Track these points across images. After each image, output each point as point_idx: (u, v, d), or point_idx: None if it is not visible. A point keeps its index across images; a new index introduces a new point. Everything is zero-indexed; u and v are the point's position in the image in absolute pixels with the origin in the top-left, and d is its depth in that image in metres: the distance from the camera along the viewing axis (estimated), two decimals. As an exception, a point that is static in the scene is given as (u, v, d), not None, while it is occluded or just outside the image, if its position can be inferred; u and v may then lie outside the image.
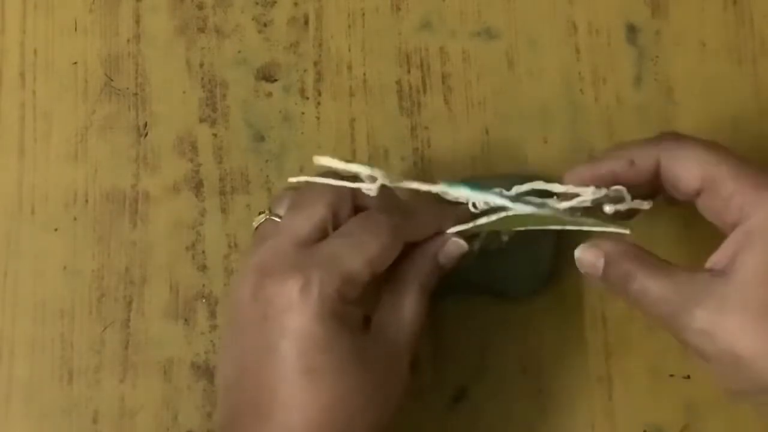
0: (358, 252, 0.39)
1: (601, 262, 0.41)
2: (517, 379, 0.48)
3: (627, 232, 0.42)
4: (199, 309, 0.49)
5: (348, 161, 0.39)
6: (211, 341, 0.48)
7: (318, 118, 0.51)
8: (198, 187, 0.50)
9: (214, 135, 0.51)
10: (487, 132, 0.51)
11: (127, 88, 0.51)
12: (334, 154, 0.41)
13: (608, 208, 0.39)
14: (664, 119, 0.50)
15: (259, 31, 0.52)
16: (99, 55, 0.51)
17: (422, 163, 0.50)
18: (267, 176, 0.50)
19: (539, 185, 0.40)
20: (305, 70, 0.51)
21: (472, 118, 0.51)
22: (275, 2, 0.52)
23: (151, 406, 0.48)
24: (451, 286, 0.47)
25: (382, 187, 0.40)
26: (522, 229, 0.43)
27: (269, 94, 0.51)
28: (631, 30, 0.52)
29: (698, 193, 0.40)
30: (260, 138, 0.51)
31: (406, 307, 0.42)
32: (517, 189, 0.41)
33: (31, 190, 0.50)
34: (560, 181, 0.42)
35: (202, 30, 0.52)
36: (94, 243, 0.49)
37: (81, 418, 0.47)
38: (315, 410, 0.38)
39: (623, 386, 0.48)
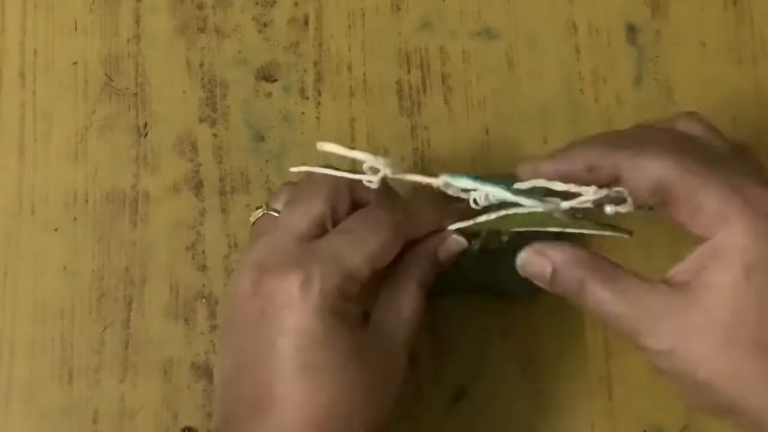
0: (359, 248, 0.39)
1: (548, 270, 0.39)
2: (517, 379, 0.48)
3: (627, 237, 0.42)
4: (199, 309, 0.49)
5: (352, 148, 0.39)
6: (211, 341, 0.48)
7: (318, 118, 0.51)
8: (198, 187, 0.50)
9: (214, 135, 0.51)
10: (487, 132, 0.51)
11: (127, 88, 0.51)
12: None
13: (609, 209, 0.38)
14: (664, 119, 0.51)
15: (259, 31, 0.52)
16: (99, 55, 0.51)
17: (422, 163, 0.50)
18: (267, 176, 0.50)
19: (540, 183, 0.39)
20: (305, 70, 0.51)
21: (472, 118, 0.51)
22: (275, 2, 0.52)
23: (151, 406, 0.48)
24: (452, 286, 0.47)
25: (383, 181, 0.40)
26: (522, 230, 0.43)
27: (269, 94, 0.51)
28: (631, 30, 0.52)
29: (663, 204, 0.38)
30: (260, 138, 0.51)
31: (405, 304, 0.41)
32: (518, 186, 0.41)
33: (31, 190, 0.50)
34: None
35: (202, 30, 0.52)
36: (94, 243, 0.49)
37: (81, 418, 0.47)
38: (313, 408, 0.38)
39: (623, 386, 0.48)
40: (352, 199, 0.41)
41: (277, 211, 0.42)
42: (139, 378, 0.48)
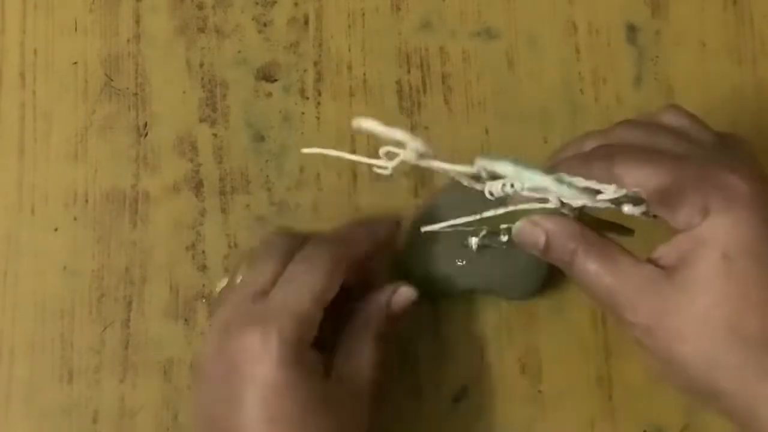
0: (305, 292, 0.41)
1: (542, 240, 0.40)
2: (517, 379, 0.48)
3: (628, 236, 0.42)
4: (199, 309, 0.49)
5: (390, 127, 0.38)
6: (211, 341, 0.48)
7: (318, 118, 0.51)
8: (198, 187, 0.50)
9: (214, 135, 0.51)
10: (487, 132, 0.51)
11: (127, 88, 0.51)
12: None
13: (627, 209, 0.38)
14: (664, 119, 0.50)
15: (259, 31, 0.52)
16: (99, 55, 0.51)
17: (422, 163, 0.50)
18: (267, 176, 0.50)
19: (563, 177, 0.39)
20: (305, 70, 0.51)
21: (472, 118, 0.51)
22: (275, 2, 0.52)
23: (151, 406, 0.48)
24: (452, 287, 0.47)
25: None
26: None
27: (269, 94, 0.51)
28: (631, 30, 0.52)
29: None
30: (260, 138, 0.51)
31: (363, 354, 0.43)
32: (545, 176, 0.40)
33: (31, 190, 0.50)
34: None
35: (202, 30, 0.52)
36: (94, 243, 0.49)
37: (81, 418, 0.47)
38: None
39: (623, 386, 0.48)
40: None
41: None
42: (139, 378, 0.48)
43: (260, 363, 0.39)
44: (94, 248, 0.49)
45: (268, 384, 0.39)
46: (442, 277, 0.47)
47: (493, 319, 0.49)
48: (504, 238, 0.44)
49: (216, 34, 0.52)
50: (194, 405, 0.44)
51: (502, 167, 0.38)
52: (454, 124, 0.51)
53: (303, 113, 0.51)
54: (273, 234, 0.45)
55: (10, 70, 0.51)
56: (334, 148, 0.49)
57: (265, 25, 0.52)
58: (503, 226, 0.42)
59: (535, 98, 0.51)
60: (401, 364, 0.48)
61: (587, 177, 0.38)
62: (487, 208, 0.41)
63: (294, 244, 0.43)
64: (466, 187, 0.40)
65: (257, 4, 0.52)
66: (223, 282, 0.45)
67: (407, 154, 0.38)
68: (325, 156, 0.40)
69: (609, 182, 0.38)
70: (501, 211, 0.41)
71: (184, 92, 0.51)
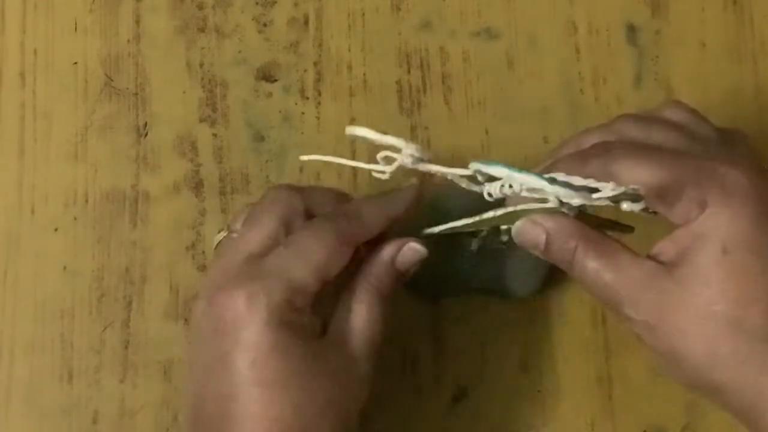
0: (305, 260, 0.39)
1: (542, 239, 0.40)
2: (517, 379, 0.48)
3: (628, 233, 0.42)
4: (199, 309, 0.49)
5: (384, 133, 0.38)
6: (211, 341, 0.48)
7: (318, 118, 0.51)
8: (198, 187, 0.50)
9: (214, 135, 0.51)
10: (487, 132, 0.51)
11: (127, 88, 0.51)
12: (335, 154, 0.42)
13: (626, 206, 0.38)
14: (664, 119, 0.50)
15: (259, 31, 0.52)
16: (99, 55, 0.51)
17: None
18: (267, 176, 0.50)
19: (560, 177, 0.39)
20: (305, 70, 0.51)
21: (472, 118, 0.51)
22: (275, 2, 0.52)
23: (151, 406, 0.48)
24: (452, 287, 0.47)
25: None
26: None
27: (269, 94, 0.51)
28: (631, 30, 0.52)
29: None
30: (260, 138, 0.51)
31: (360, 313, 0.41)
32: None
33: (31, 190, 0.50)
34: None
35: (202, 30, 0.52)
36: (94, 243, 0.49)
37: (81, 418, 0.47)
38: (267, 421, 0.38)
39: (623, 386, 0.48)
40: (307, 215, 0.42)
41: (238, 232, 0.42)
42: (139, 378, 0.48)
43: (246, 324, 0.38)
44: (94, 248, 0.49)
45: (255, 346, 0.38)
46: (442, 277, 0.47)
47: (493, 319, 0.49)
48: (504, 238, 0.44)
49: (216, 34, 0.52)
50: (187, 370, 0.42)
51: (496, 170, 0.39)
52: (454, 124, 0.51)
53: (303, 113, 0.51)
54: (275, 188, 0.43)
55: (10, 70, 0.51)
56: (334, 148, 0.50)
57: (265, 25, 0.52)
58: (503, 226, 0.42)
59: (535, 98, 0.51)
60: (401, 364, 0.48)
61: (585, 175, 0.38)
62: (487, 209, 0.41)
63: (296, 200, 0.42)
64: (464, 187, 0.41)
65: (257, 4, 0.52)
66: (221, 235, 0.44)
67: (403, 159, 0.38)
68: (324, 154, 0.40)
69: (607, 180, 0.38)
70: (501, 211, 0.41)
71: (184, 92, 0.51)
